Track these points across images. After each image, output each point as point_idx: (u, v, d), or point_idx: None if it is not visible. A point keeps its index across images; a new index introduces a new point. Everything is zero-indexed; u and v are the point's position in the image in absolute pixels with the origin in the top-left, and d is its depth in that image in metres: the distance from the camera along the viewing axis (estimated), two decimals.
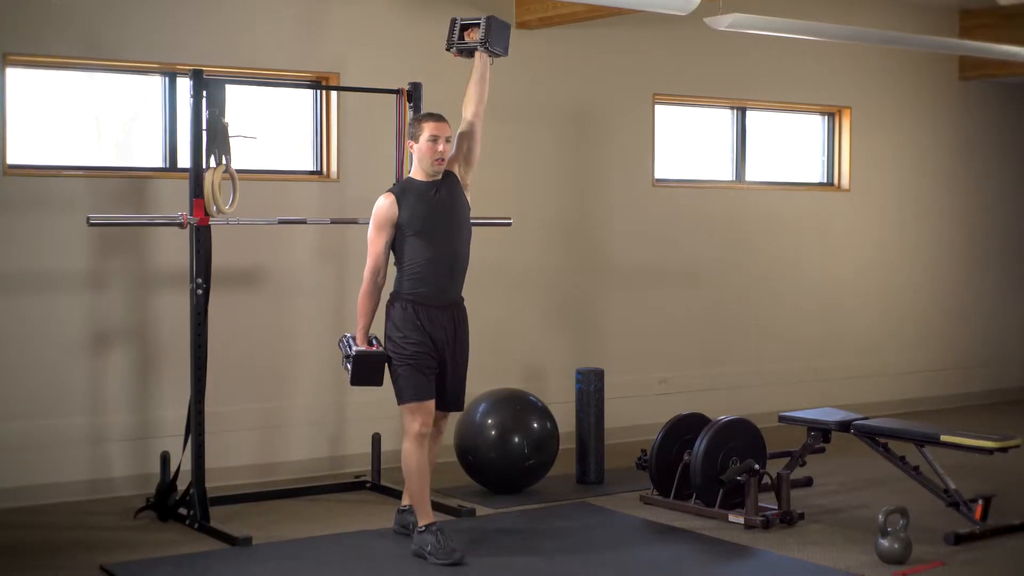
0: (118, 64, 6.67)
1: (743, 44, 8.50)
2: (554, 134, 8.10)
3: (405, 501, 5.75)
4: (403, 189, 5.53)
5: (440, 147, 5.45)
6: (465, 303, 5.62)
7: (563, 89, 8.13)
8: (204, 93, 5.89)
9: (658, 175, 8.61)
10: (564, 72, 8.11)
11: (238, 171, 6.04)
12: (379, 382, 5.55)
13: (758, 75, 8.95)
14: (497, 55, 5.73)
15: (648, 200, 8.49)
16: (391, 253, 5.54)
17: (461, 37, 5.75)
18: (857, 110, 9.51)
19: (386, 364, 5.50)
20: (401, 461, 5.52)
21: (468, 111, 5.63)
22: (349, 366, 5.51)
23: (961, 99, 10.09)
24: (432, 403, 5.49)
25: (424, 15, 7.44)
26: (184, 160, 6.40)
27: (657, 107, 8.58)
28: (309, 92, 7.33)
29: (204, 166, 5.90)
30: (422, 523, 5.43)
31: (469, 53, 5.73)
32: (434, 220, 5.45)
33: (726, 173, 9.06)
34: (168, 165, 6.80)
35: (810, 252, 9.30)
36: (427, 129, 5.46)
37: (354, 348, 5.51)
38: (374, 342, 5.54)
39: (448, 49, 5.82)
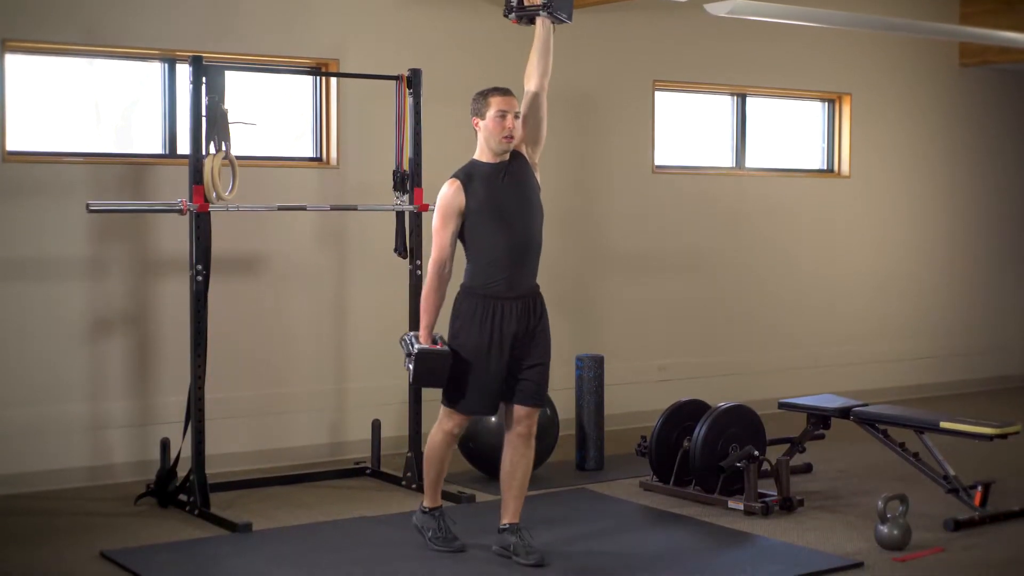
0: (118, 50, 6.66)
1: (743, 30, 8.48)
2: (554, 120, 7.98)
3: (505, 519, 5.27)
4: (468, 174, 5.10)
5: (508, 122, 5.06)
6: (541, 290, 5.29)
7: (563, 75, 8.01)
8: (204, 79, 5.87)
9: (658, 162, 8.60)
10: (564, 58, 7.99)
11: (238, 158, 6.03)
12: (442, 383, 5.15)
13: (758, 61, 8.93)
14: (561, 21, 5.20)
15: (648, 186, 8.48)
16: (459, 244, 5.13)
17: (520, 2, 5.22)
18: (857, 97, 9.49)
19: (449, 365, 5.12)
20: (426, 445, 5.30)
21: (532, 84, 5.17)
22: (411, 365, 5.13)
23: (961, 85, 10.07)
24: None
25: (423, 1, 7.42)
26: (184, 146, 6.39)
27: (657, 93, 8.56)
28: (309, 78, 7.31)
29: (204, 152, 5.88)
30: (428, 505, 5.38)
31: (530, 20, 5.21)
32: (505, 205, 5.08)
33: (726, 160, 9.05)
34: (168, 151, 6.80)
35: (810, 239, 9.29)
36: (494, 104, 5.07)
37: (416, 346, 5.11)
38: (439, 340, 5.17)
39: (507, 15, 5.27)
